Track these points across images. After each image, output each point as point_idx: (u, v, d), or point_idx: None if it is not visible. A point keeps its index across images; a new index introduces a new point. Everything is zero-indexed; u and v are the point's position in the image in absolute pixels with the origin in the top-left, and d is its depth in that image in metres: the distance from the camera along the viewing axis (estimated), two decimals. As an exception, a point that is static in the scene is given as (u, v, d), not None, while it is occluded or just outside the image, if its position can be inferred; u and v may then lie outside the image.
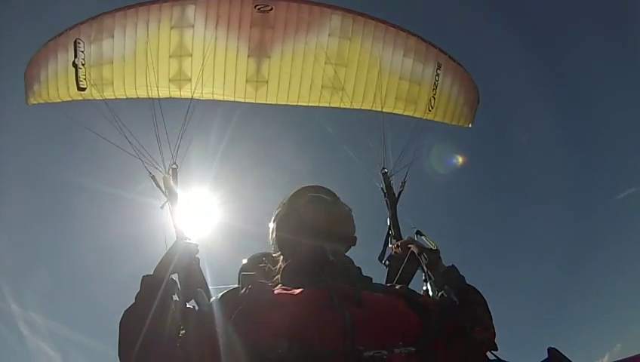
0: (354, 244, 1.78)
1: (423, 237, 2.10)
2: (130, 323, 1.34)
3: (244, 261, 2.38)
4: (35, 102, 3.75)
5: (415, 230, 2.16)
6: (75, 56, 3.49)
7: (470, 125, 4.14)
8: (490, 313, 1.64)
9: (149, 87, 3.40)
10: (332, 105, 3.58)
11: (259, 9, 3.31)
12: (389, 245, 2.31)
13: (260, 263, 1.97)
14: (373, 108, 3.58)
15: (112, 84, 3.50)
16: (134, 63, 3.43)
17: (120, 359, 1.32)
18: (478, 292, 1.70)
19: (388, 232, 2.46)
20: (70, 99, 3.59)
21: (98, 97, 3.47)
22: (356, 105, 3.60)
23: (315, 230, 1.63)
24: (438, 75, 3.66)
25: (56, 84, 3.58)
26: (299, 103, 3.53)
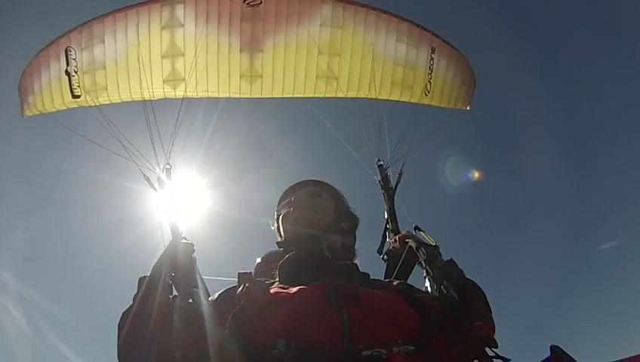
0: (349, 233, 1.79)
1: (421, 232, 2.08)
2: (127, 325, 1.36)
3: (258, 260, 2.38)
4: (30, 114, 3.74)
5: (414, 225, 2.14)
6: (67, 65, 3.48)
7: (468, 108, 4.11)
8: (489, 306, 1.64)
9: (143, 90, 3.38)
10: (327, 95, 3.56)
11: (248, 3, 3.30)
12: (387, 239, 2.28)
13: (272, 260, 1.96)
14: (369, 96, 3.55)
15: (107, 89, 3.48)
16: (127, 67, 3.42)
17: (118, 358, 1.34)
18: (478, 286, 1.70)
19: (386, 226, 2.42)
20: (65, 107, 3.58)
21: (93, 104, 3.45)
22: (351, 94, 3.58)
23: (301, 235, 1.65)
24: (432, 58, 3.63)
25: (51, 94, 3.57)
26: (294, 95, 3.51)
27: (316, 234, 1.61)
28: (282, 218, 1.73)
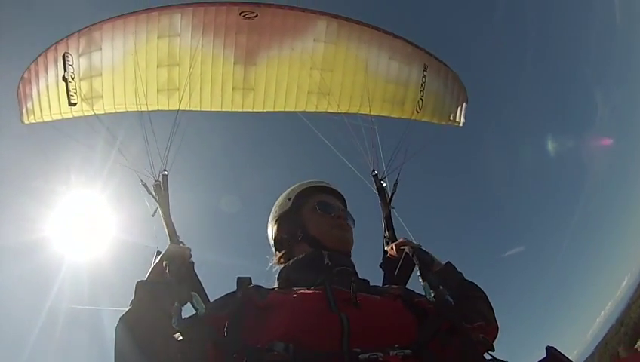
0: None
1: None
2: (125, 330, 1.38)
3: None
4: (27, 122, 3.74)
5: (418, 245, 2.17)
6: (65, 71, 3.49)
7: (461, 125, 4.15)
8: (491, 306, 1.66)
9: (138, 99, 3.41)
10: (319, 109, 3.59)
11: (244, 16, 3.32)
12: (385, 248, 2.33)
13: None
14: (361, 112, 3.59)
15: (102, 96, 3.50)
16: (123, 74, 3.44)
17: None
18: (478, 286, 1.72)
19: (384, 235, 2.46)
20: (61, 117, 3.58)
21: (89, 112, 3.48)
22: (343, 109, 3.60)
23: (340, 250, 1.70)
24: (424, 76, 3.67)
25: (48, 100, 3.58)
26: (286, 110, 3.55)
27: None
28: (323, 217, 1.76)
